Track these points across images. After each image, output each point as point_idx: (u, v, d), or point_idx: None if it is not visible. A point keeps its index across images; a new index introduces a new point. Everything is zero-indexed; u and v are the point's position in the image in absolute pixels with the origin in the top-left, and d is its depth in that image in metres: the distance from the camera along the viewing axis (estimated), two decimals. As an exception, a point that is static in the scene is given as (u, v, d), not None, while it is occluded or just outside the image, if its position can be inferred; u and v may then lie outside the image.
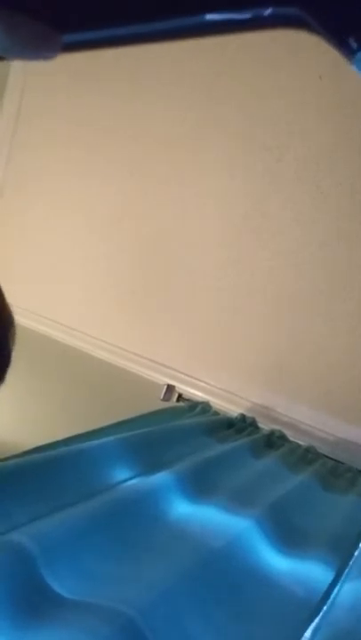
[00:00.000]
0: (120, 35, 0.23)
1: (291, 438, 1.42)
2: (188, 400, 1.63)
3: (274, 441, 1.38)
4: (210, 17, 0.22)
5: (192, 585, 0.69)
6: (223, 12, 0.22)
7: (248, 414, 1.48)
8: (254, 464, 1.19)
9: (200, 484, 0.97)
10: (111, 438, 1.01)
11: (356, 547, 0.93)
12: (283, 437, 1.41)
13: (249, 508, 0.92)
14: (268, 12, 0.21)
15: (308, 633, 0.68)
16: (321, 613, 0.73)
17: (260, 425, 1.46)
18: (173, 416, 1.38)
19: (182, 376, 1.67)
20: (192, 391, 1.65)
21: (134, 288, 1.79)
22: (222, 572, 0.75)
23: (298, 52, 1.49)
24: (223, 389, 1.61)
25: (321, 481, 1.20)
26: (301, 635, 0.69)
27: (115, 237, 1.82)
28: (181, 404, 1.60)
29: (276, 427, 1.45)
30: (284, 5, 0.21)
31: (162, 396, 1.66)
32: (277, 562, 0.83)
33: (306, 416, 1.51)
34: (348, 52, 0.23)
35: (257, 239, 1.58)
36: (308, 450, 1.37)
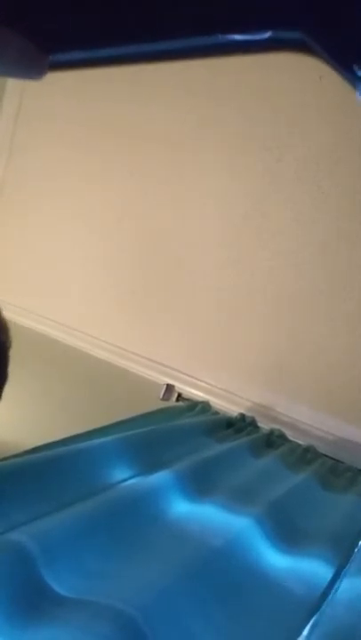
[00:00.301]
0: (118, 54, 0.23)
1: (290, 438, 1.42)
2: (187, 400, 1.63)
3: (273, 440, 1.38)
4: (216, 39, 0.22)
5: (192, 584, 0.69)
6: (228, 34, 0.22)
7: (248, 414, 1.48)
8: (254, 463, 1.19)
9: (200, 484, 0.97)
10: (111, 438, 1.02)
11: (355, 545, 0.93)
12: (282, 437, 1.41)
13: (249, 507, 0.92)
14: (272, 34, 0.21)
15: (306, 630, 0.69)
16: (320, 611, 0.73)
17: (260, 424, 1.46)
18: (173, 416, 1.38)
19: (182, 376, 1.67)
20: (192, 391, 1.65)
21: (134, 288, 1.79)
22: (222, 571, 0.75)
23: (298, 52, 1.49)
24: (223, 389, 1.61)
25: (321, 480, 1.20)
26: (301, 632, 0.69)
27: (115, 237, 1.82)
28: (181, 403, 1.60)
29: (275, 426, 1.45)
30: (289, 29, 0.21)
31: (161, 396, 1.66)
32: (277, 560, 0.83)
33: (306, 416, 1.51)
34: (353, 79, 0.23)
35: (257, 239, 1.58)
36: (308, 449, 1.37)
